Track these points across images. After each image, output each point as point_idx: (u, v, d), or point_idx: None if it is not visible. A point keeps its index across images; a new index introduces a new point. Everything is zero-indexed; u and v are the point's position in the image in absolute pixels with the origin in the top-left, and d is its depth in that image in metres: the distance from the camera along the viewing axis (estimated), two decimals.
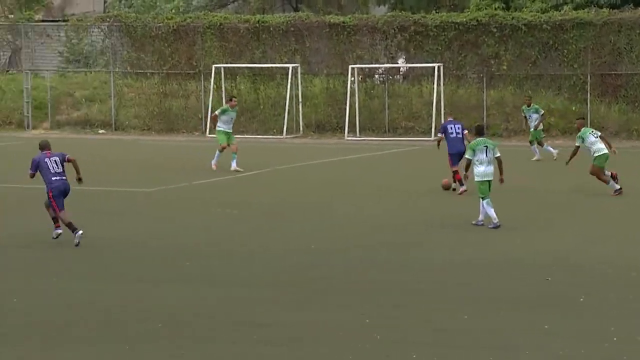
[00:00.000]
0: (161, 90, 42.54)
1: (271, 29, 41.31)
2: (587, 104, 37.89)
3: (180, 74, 42.26)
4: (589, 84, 38.12)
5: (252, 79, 41.95)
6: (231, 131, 27.52)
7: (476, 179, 18.97)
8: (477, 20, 39.18)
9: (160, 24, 42.53)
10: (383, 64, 40.76)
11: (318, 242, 17.35)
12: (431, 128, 38.09)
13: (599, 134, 23.58)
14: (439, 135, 24.51)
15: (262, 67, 41.28)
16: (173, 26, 42.13)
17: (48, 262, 15.96)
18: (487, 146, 19.01)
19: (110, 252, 16.64)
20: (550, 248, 16.80)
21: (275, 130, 40.07)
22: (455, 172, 23.08)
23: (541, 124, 30.52)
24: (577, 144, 22.96)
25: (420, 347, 11.03)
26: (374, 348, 10.97)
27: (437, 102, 38.36)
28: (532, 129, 30.41)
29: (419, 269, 15.23)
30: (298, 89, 40.44)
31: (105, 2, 58.70)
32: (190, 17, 43.31)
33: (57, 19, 53.71)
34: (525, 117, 31.14)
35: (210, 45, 41.69)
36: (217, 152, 27.40)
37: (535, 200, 22.51)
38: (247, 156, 28.45)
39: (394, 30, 40.15)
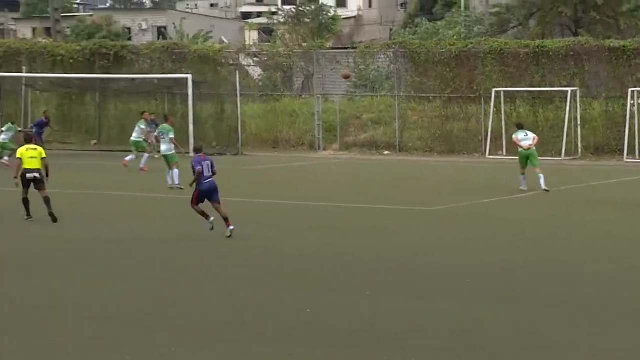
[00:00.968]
0: (443, 113, 44.40)
1: (551, 53, 42.39)
2: None
3: (462, 97, 43.96)
4: None
5: (531, 102, 43.12)
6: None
7: None
8: None
9: (443, 50, 44.44)
10: None
11: None
12: None
13: None
14: None
15: (541, 91, 42.45)
16: (455, 52, 43.93)
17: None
18: None
19: (413, 268, 18.49)
20: None
21: (553, 152, 41.04)
22: None
23: None
24: None
25: None
26: None
27: None
28: None
29: None
30: (577, 112, 41.32)
31: (390, 30, 61.27)
32: (472, 43, 45.04)
33: (346, 47, 56.79)
34: None
35: (490, 70, 43.22)
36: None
37: None
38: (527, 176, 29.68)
39: None
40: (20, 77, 47.75)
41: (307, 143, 45.85)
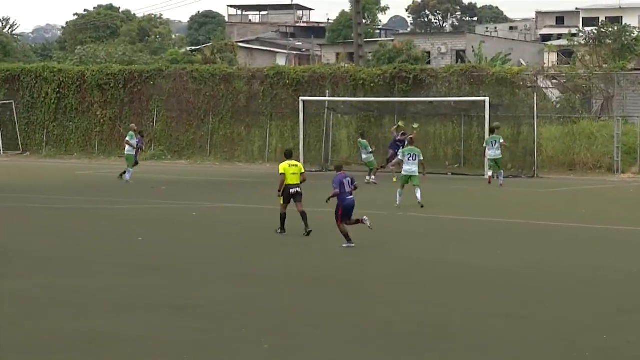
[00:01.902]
0: None
1: None
2: None
3: None
4: None
5: None
6: None
7: None
8: None
9: None
10: None
11: None
12: None
13: None
14: None
15: None
16: None
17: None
18: None
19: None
20: None
21: None
22: None
23: None
24: None
25: None
26: None
27: None
28: None
29: None
30: None
31: None
32: None
33: None
34: None
35: None
36: None
37: None
38: None
39: None
40: (324, 101, 49.72)
41: (605, 166, 45.10)
